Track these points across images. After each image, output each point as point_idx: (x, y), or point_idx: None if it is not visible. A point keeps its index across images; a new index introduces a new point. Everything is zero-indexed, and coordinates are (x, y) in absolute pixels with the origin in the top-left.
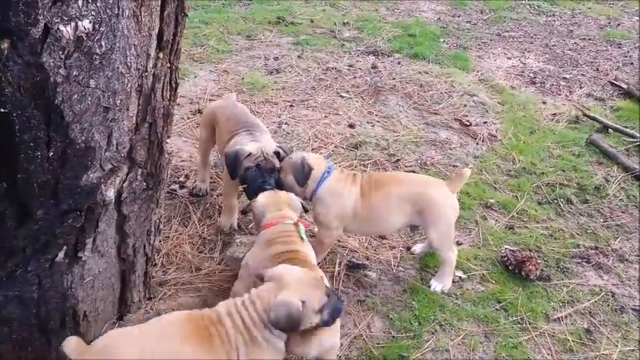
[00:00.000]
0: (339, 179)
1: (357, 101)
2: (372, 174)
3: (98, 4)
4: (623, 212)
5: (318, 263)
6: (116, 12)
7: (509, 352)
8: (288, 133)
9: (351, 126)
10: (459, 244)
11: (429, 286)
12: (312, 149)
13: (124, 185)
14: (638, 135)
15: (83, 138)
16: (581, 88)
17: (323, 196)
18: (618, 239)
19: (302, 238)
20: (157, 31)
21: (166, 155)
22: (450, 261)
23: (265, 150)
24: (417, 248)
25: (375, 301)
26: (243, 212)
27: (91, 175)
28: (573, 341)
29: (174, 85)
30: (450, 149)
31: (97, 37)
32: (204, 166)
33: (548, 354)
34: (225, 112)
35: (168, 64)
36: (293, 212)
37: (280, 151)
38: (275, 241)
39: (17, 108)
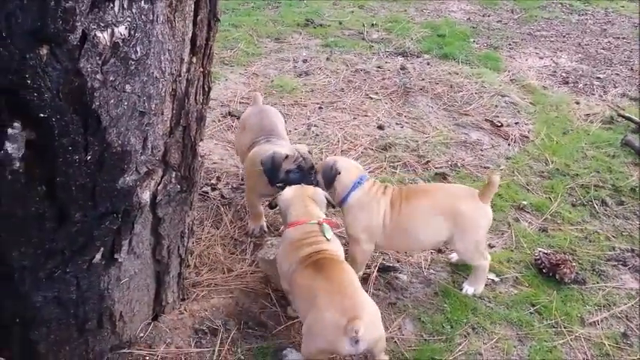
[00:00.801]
0: (369, 191)
1: (386, 103)
2: (403, 187)
3: (134, 10)
4: None
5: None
6: (151, 18)
7: (544, 356)
8: (317, 135)
9: (380, 127)
10: (491, 246)
11: (461, 289)
12: (342, 151)
13: (158, 188)
14: None
15: (119, 142)
16: (615, 87)
17: (351, 207)
18: None
19: (327, 239)
20: (190, 36)
21: (199, 158)
22: (482, 267)
23: (301, 150)
24: (454, 257)
25: (407, 303)
26: (271, 206)
27: (127, 178)
28: (610, 345)
29: (207, 89)
30: (481, 150)
31: (132, 43)
32: None
33: (584, 358)
34: (253, 118)
35: (201, 69)
36: (318, 207)
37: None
38: (302, 243)
39: (56, 113)
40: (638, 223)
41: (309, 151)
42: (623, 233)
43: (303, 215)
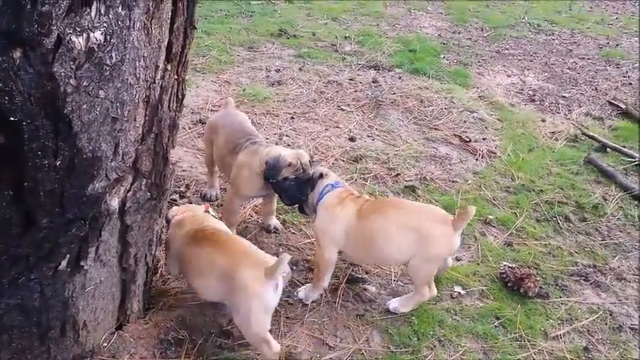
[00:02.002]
0: (339, 195)
1: (357, 115)
2: (380, 199)
3: (110, 16)
4: (621, 231)
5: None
6: (127, 24)
7: None
8: (288, 145)
9: (352, 139)
10: (458, 259)
11: (387, 303)
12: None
13: (128, 195)
14: (636, 155)
15: (90, 147)
16: (579, 107)
17: (320, 209)
18: (616, 258)
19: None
20: (166, 43)
21: (171, 166)
22: (420, 295)
23: (303, 160)
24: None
25: (375, 315)
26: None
27: (97, 185)
28: (571, 359)
29: (180, 96)
30: (450, 165)
31: (107, 49)
32: (212, 174)
33: None
34: (224, 121)
35: (176, 76)
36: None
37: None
38: (186, 223)
39: (27, 117)
40: (600, 239)
41: (310, 159)
42: (586, 249)
43: (186, 209)
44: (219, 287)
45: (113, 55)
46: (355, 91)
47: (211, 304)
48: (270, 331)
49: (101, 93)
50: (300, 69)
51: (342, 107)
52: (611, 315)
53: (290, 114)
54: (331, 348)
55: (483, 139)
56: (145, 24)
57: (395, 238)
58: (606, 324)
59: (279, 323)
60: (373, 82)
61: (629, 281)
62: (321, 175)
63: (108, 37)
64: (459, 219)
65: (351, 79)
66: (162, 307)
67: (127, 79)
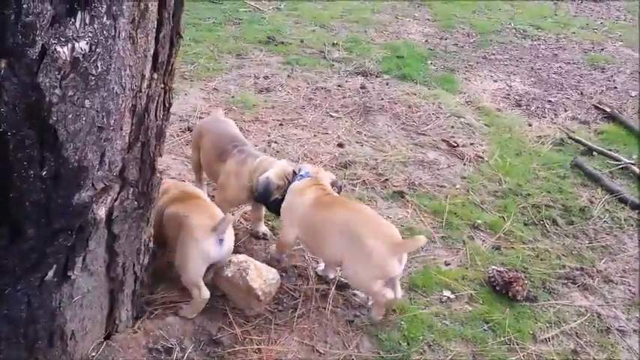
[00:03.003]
0: (305, 183)
1: (346, 121)
2: (343, 196)
3: (95, 25)
4: (607, 234)
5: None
6: (113, 34)
7: None
8: (277, 152)
9: (340, 145)
10: (446, 264)
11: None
12: None
13: (115, 204)
14: (621, 158)
15: (76, 157)
16: (565, 111)
17: (287, 194)
18: (603, 260)
19: None
20: (152, 52)
21: (158, 174)
22: (377, 300)
23: (289, 174)
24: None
25: (364, 321)
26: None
27: (83, 194)
28: None
29: (167, 105)
30: (438, 170)
31: (93, 59)
32: (200, 180)
33: None
34: (210, 127)
35: (163, 85)
36: None
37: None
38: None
39: (12, 127)
40: (587, 242)
41: (293, 170)
42: (573, 252)
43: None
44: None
45: (98, 64)
46: (343, 98)
47: (202, 312)
48: (261, 339)
49: (87, 103)
50: (288, 76)
51: (331, 113)
52: (599, 317)
53: (278, 121)
54: (321, 354)
55: (471, 144)
56: (130, 33)
57: (329, 235)
58: (594, 326)
59: (270, 330)
60: (361, 88)
61: (617, 283)
62: (294, 173)
63: (93, 47)
64: (403, 244)
65: (339, 86)
66: (150, 316)
67: (113, 88)
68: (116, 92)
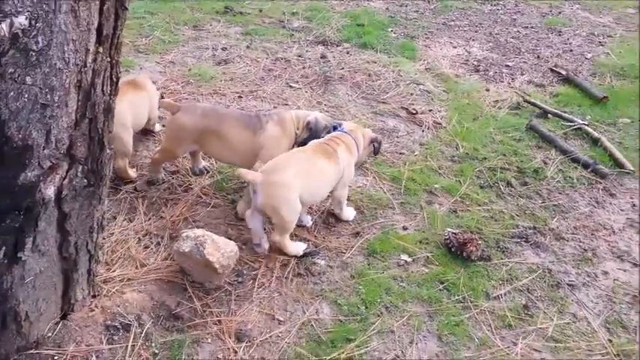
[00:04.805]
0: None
1: (306, 91)
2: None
3: None
4: (560, 193)
5: None
6: (53, 7)
7: (452, 329)
8: None
9: None
10: (405, 228)
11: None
12: None
13: (64, 183)
14: (575, 119)
15: (20, 136)
16: (522, 75)
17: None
18: (555, 219)
19: None
20: (96, 25)
21: (108, 151)
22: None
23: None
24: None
25: (324, 287)
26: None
27: (30, 174)
28: (512, 317)
29: (115, 79)
30: (397, 137)
31: (33, 34)
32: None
33: (489, 330)
34: (213, 118)
35: (109, 59)
36: None
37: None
38: None
39: None
40: (540, 202)
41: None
42: (526, 212)
43: None
44: None
45: (39, 39)
46: (304, 68)
47: (160, 288)
48: (221, 310)
49: (28, 79)
50: (247, 47)
51: (291, 84)
52: (549, 273)
53: (238, 93)
54: (281, 322)
55: (430, 110)
56: (72, 6)
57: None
58: (545, 282)
59: (230, 302)
60: (322, 57)
61: (568, 240)
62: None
63: (33, 22)
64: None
65: (299, 56)
66: (107, 294)
67: (56, 63)
68: (59, 68)
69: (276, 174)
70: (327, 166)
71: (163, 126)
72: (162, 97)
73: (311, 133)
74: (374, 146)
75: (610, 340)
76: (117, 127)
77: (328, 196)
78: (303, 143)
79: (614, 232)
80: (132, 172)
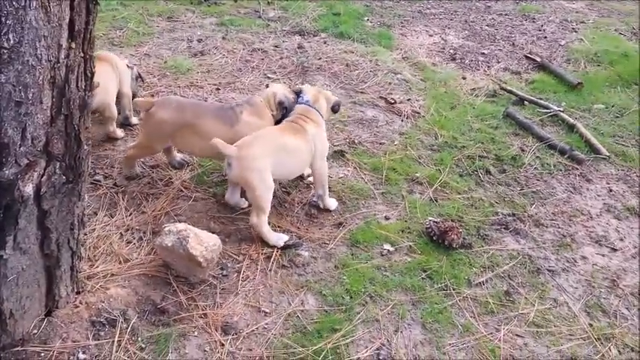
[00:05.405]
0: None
1: (284, 82)
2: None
3: None
4: (538, 180)
5: None
6: (23, 4)
7: (435, 317)
8: None
9: None
10: (387, 218)
11: None
12: None
13: (42, 180)
14: (551, 106)
15: None
16: (498, 62)
17: None
18: (534, 205)
19: None
20: (67, 20)
21: (85, 147)
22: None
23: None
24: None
25: (309, 278)
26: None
27: (7, 172)
28: (494, 303)
29: (89, 74)
30: (377, 127)
31: (4, 31)
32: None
33: (471, 316)
34: (190, 112)
35: (82, 54)
36: None
37: None
38: None
39: None
40: (518, 189)
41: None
42: (505, 199)
43: None
44: None
45: (10, 37)
46: (281, 58)
47: (144, 282)
48: (206, 304)
49: (1, 77)
50: (223, 38)
51: (269, 75)
52: (530, 259)
53: (215, 85)
54: (267, 314)
55: (408, 99)
56: (42, 2)
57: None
58: (525, 268)
59: (215, 295)
60: (299, 47)
61: (547, 226)
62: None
63: (3, 19)
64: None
65: (276, 46)
66: (92, 290)
67: (28, 60)
68: (32, 65)
69: (249, 148)
70: (297, 143)
71: (140, 119)
72: (134, 97)
73: (286, 111)
74: (334, 109)
75: (590, 325)
76: None
77: (309, 176)
78: (279, 121)
79: (591, 217)
80: None
